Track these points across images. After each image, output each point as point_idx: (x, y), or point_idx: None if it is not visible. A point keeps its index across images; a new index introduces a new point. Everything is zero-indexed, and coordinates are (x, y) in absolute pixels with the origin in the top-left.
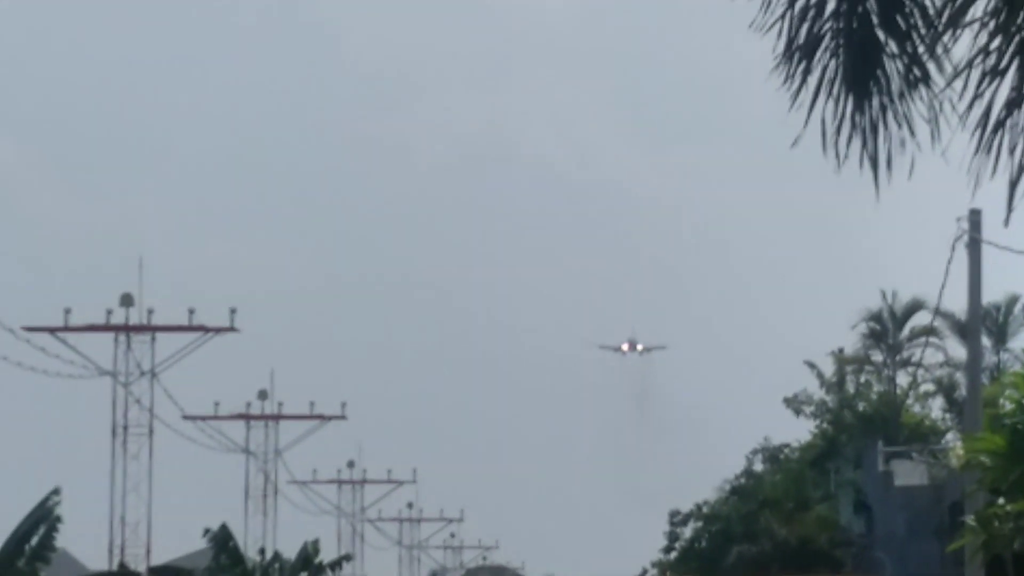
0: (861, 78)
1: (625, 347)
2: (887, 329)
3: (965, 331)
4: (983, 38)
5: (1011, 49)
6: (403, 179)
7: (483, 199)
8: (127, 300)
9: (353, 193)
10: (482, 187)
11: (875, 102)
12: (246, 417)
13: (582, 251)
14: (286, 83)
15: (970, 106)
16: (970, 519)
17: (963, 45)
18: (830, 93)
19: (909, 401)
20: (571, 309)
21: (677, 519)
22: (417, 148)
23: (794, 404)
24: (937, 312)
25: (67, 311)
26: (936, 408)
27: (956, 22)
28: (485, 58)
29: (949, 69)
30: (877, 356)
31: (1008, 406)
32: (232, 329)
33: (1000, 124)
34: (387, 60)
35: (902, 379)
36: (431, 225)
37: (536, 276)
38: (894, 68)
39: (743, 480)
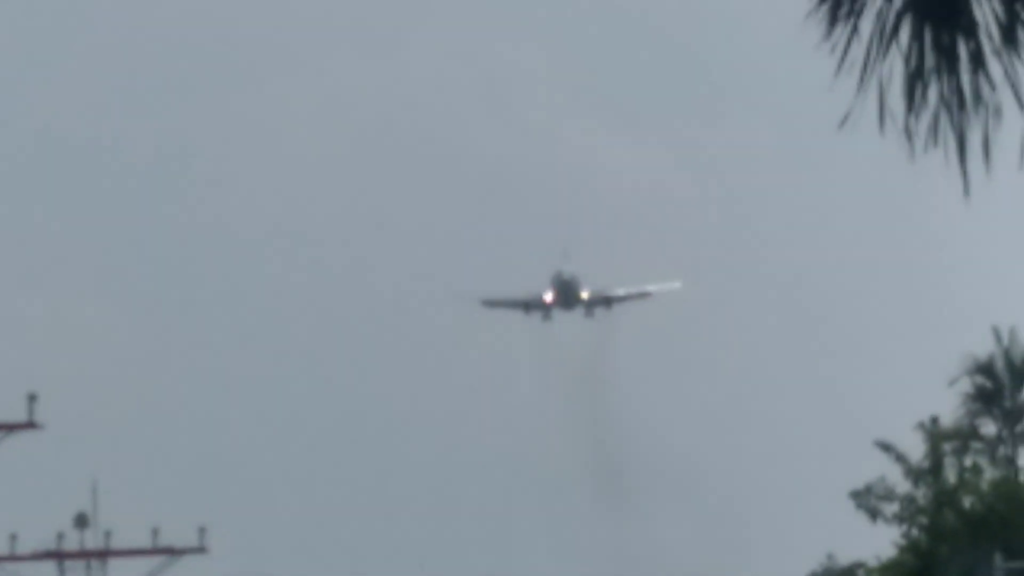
0: (940, 24)
1: (548, 297)
2: (1002, 386)
3: None
4: None
5: None
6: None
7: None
8: None
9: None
10: (374, 180)
11: (962, 56)
12: (57, 556)
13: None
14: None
15: None
16: None
17: None
18: (890, 46)
19: None
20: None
21: None
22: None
23: (868, 502)
24: None
25: None
26: None
27: None
28: (378, 10)
29: None
30: (989, 427)
31: None
32: (31, 426)
33: None
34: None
35: None
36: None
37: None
38: (988, 7)
39: None
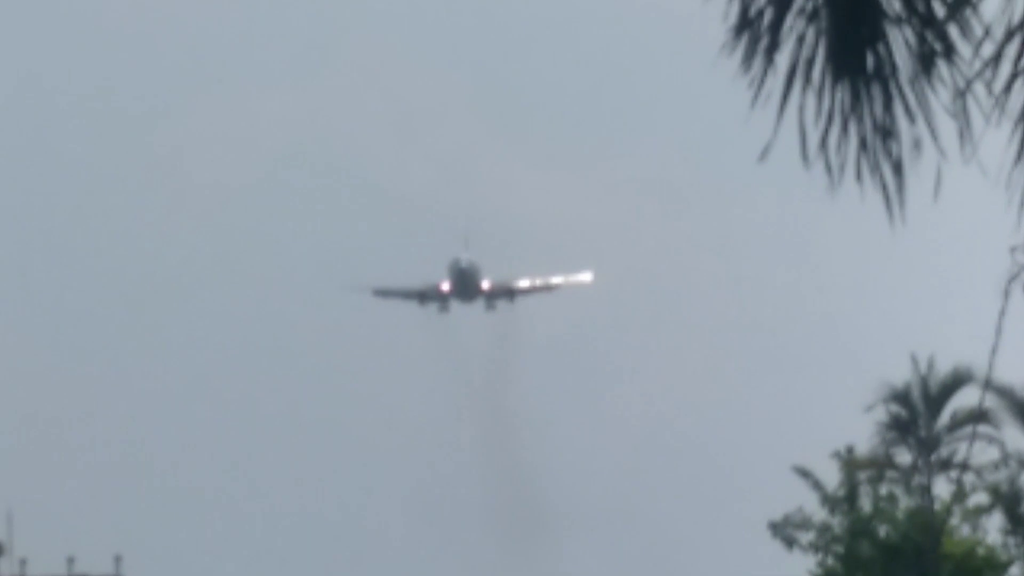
0: (853, 55)
1: (445, 287)
2: (918, 415)
3: None
4: None
5: None
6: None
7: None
8: None
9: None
10: (285, 213)
11: (876, 89)
12: None
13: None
14: None
15: (1008, 86)
16: None
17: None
18: (808, 79)
19: (953, 521)
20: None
21: None
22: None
23: (784, 531)
24: (988, 387)
25: None
26: (993, 529)
27: None
28: (292, 41)
29: (981, 35)
30: (904, 456)
31: None
32: None
33: None
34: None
35: (942, 488)
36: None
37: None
38: (900, 38)
39: None
